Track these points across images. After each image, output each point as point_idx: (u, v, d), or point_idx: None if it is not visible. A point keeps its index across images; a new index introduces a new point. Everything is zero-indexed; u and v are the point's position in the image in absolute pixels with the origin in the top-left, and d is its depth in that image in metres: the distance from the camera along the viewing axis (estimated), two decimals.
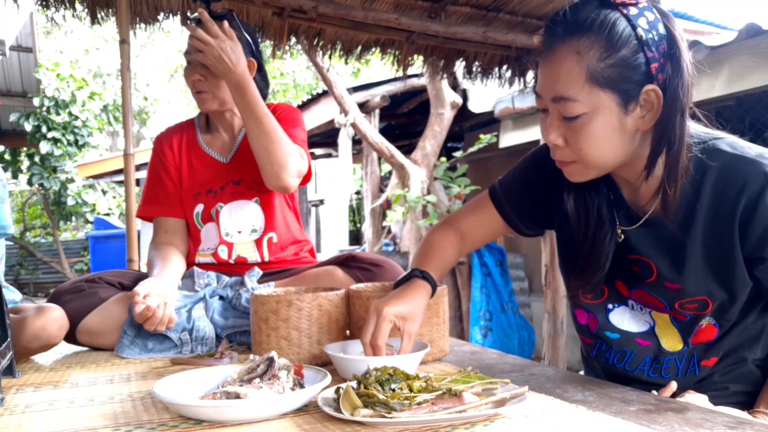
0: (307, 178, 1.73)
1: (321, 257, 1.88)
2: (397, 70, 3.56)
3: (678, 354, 1.11)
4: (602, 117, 0.96)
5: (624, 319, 1.15)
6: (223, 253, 1.73)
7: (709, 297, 1.04)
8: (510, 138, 5.95)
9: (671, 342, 1.12)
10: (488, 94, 5.78)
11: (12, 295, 1.56)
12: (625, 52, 0.94)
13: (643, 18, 0.96)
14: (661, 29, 0.96)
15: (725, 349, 1.10)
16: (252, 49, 1.76)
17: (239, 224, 1.74)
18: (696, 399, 1.01)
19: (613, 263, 1.11)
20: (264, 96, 1.86)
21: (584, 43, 0.95)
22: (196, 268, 1.70)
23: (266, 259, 1.74)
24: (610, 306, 1.17)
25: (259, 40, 3.06)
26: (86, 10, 2.82)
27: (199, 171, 1.78)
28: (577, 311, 1.23)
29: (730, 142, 1.03)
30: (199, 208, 1.77)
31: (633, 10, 0.96)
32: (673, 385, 1.08)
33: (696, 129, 1.05)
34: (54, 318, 1.36)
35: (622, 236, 1.10)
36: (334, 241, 10.51)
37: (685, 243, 1.03)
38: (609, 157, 1.01)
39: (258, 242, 1.74)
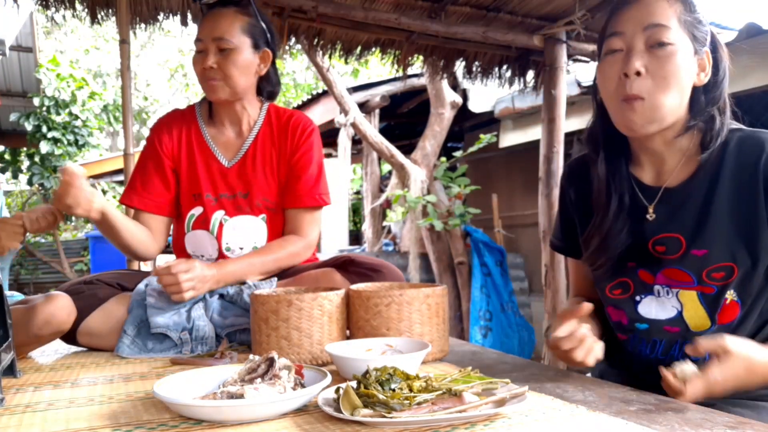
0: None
1: (321, 257, 1.88)
2: (397, 70, 3.57)
3: (706, 333, 1.13)
4: (683, 54, 1.08)
5: (651, 309, 1.18)
6: None
7: (735, 262, 1.08)
8: (510, 138, 5.96)
9: (699, 321, 1.13)
10: (488, 94, 5.78)
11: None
12: (697, 14, 1.11)
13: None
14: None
15: (749, 332, 1.12)
16: (267, 39, 1.73)
17: (242, 241, 1.70)
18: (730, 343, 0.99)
19: (635, 252, 1.17)
20: (275, 94, 1.85)
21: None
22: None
23: None
24: (637, 298, 1.20)
25: None
26: (86, 10, 2.82)
27: (201, 169, 1.72)
28: (609, 309, 1.27)
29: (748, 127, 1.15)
30: (197, 210, 1.71)
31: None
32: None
33: None
34: (62, 305, 1.40)
35: (654, 215, 1.16)
36: (334, 241, 10.50)
37: (710, 208, 1.10)
38: (676, 100, 1.09)
39: None
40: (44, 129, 7.88)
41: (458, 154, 5.64)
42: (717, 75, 1.13)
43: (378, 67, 11.02)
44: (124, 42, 2.66)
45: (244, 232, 1.70)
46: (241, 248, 1.70)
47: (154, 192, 1.73)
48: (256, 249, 1.70)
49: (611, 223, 1.18)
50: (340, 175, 7.36)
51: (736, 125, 1.15)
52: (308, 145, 1.73)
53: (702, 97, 1.12)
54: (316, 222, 1.74)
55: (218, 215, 1.71)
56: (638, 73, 1.07)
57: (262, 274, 1.62)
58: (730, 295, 1.10)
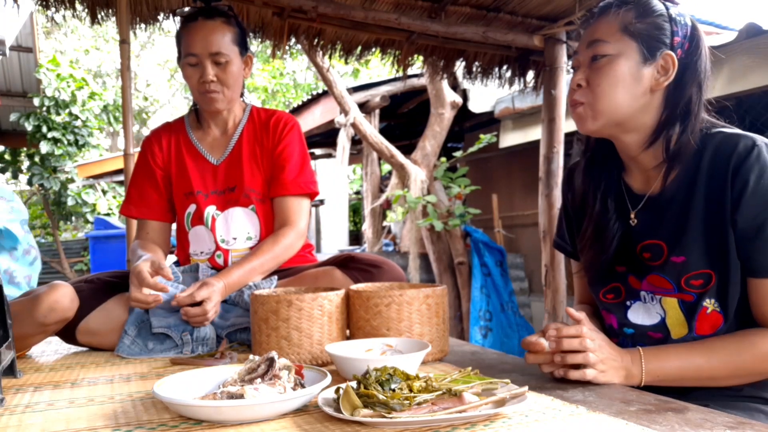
0: (313, 197, 1.80)
1: (321, 257, 1.88)
2: (397, 70, 3.56)
3: (683, 341, 1.13)
4: (624, 62, 1.12)
5: (639, 314, 1.20)
6: (219, 259, 1.73)
7: (712, 269, 1.09)
8: (510, 138, 5.95)
9: (678, 329, 1.15)
10: (488, 94, 5.78)
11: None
12: (655, 19, 1.13)
13: (675, 7, 1.16)
14: (687, 21, 1.16)
15: None
16: (247, 44, 1.78)
17: (234, 231, 1.74)
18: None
19: (625, 257, 1.20)
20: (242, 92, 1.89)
21: (623, 8, 1.15)
22: (201, 265, 1.70)
23: None
24: (628, 303, 1.22)
25: (259, 40, 3.07)
26: (86, 10, 2.82)
27: (191, 169, 1.78)
28: (603, 313, 1.30)
29: (731, 128, 1.14)
30: (191, 208, 1.77)
31: (667, 3, 1.16)
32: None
33: (704, 116, 1.17)
34: (65, 293, 1.41)
35: (636, 220, 1.19)
36: (334, 241, 10.50)
37: (688, 214, 1.11)
38: (618, 103, 1.13)
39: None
40: (44, 129, 7.87)
41: (458, 154, 5.64)
42: (683, 76, 1.12)
43: (378, 67, 11.02)
44: (124, 42, 2.66)
45: (236, 223, 1.75)
46: (235, 238, 1.74)
47: (150, 200, 1.80)
48: (249, 239, 1.74)
49: (593, 228, 1.22)
50: (340, 175, 7.36)
51: (718, 127, 1.14)
52: (290, 138, 1.78)
53: (667, 101, 1.14)
54: (304, 210, 1.76)
55: (210, 210, 1.76)
56: (579, 85, 1.17)
57: (262, 274, 1.64)
58: (711, 304, 1.10)
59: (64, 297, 1.40)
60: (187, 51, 1.68)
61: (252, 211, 1.75)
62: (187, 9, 1.72)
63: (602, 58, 1.13)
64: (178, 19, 1.76)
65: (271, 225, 1.77)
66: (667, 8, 1.15)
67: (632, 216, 1.20)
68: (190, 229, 1.78)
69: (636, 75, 1.12)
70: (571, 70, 1.23)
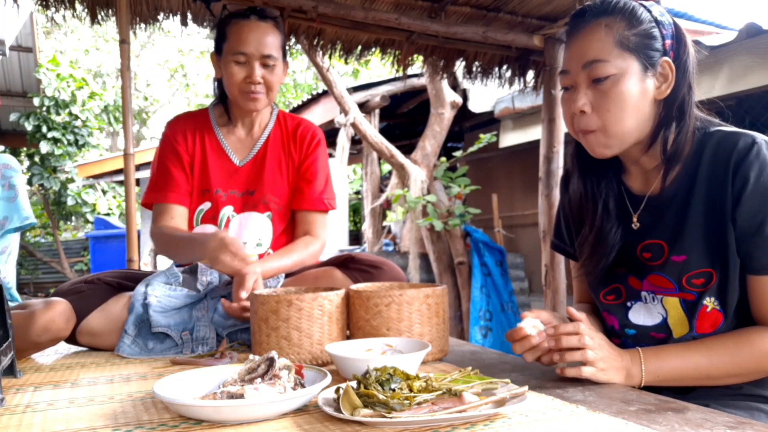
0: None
1: (321, 257, 1.88)
2: (397, 70, 3.56)
3: (684, 340, 1.13)
4: (629, 79, 1.08)
5: (640, 315, 1.20)
6: None
7: (713, 268, 1.09)
8: (510, 138, 5.96)
9: (679, 328, 1.14)
10: (488, 94, 5.78)
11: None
12: (645, 26, 1.09)
13: (655, 7, 1.13)
14: (669, 19, 1.13)
15: None
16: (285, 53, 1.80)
17: (246, 236, 1.74)
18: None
19: (625, 258, 1.19)
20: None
21: (610, 19, 1.10)
22: (200, 264, 1.69)
23: None
24: (628, 304, 1.22)
25: None
26: (86, 10, 2.82)
27: (212, 166, 1.76)
28: (604, 314, 1.29)
29: (730, 127, 1.13)
30: (206, 205, 1.76)
31: (647, 3, 1.13)
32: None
33: (700, 114, 1.15)
34: (62, 311, 1.38)
35: (638, 224, 1.18)
36: (334, 241, 10.50)
37: (687, 213, 1.10)
38: (630, 124, 1.09)
39: (261, 256, 1.74)
40: (44, 129, 7.89)
41: (458, 154, 5.64)
42: (683, 79, 1.10)
43: (378, 67, 11.02)
44: (124, 42, 2.66)
45: (249, 228, 1.74)
46: (245, 243, 1.74)
47: (179, 185, 1.75)
48: (259, 245, 1.74)
49: (595, 237, 1.21)
50: (340, 175, 7.36)
51: (717, 126, 1.14)
52: (317, 153, 1.82)
53: (663, 104, 1.12)
54: (326, 224, 1.81)
55: (227, 211, 1.75)
56: (583, 111, 1.11)
57: (287, 272, 1.68)
58: (711, 302, 1.10)
59: (60, 316, 1.37)
60: (236, 49, 1.66)
61: (267, 218, 1.75)
62: (231, 6, 1.73)
63: (605, 79, 1.08)
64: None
65: (284, 235, 1.78)
66: (649, 11, 1.12)
67: (635, 219, 1.19)
68: (197, 225, 1.76)
69: (642, 90, 1.08)
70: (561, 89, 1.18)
